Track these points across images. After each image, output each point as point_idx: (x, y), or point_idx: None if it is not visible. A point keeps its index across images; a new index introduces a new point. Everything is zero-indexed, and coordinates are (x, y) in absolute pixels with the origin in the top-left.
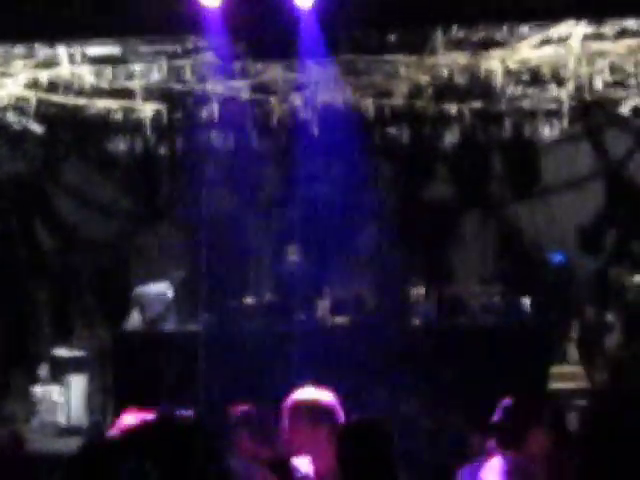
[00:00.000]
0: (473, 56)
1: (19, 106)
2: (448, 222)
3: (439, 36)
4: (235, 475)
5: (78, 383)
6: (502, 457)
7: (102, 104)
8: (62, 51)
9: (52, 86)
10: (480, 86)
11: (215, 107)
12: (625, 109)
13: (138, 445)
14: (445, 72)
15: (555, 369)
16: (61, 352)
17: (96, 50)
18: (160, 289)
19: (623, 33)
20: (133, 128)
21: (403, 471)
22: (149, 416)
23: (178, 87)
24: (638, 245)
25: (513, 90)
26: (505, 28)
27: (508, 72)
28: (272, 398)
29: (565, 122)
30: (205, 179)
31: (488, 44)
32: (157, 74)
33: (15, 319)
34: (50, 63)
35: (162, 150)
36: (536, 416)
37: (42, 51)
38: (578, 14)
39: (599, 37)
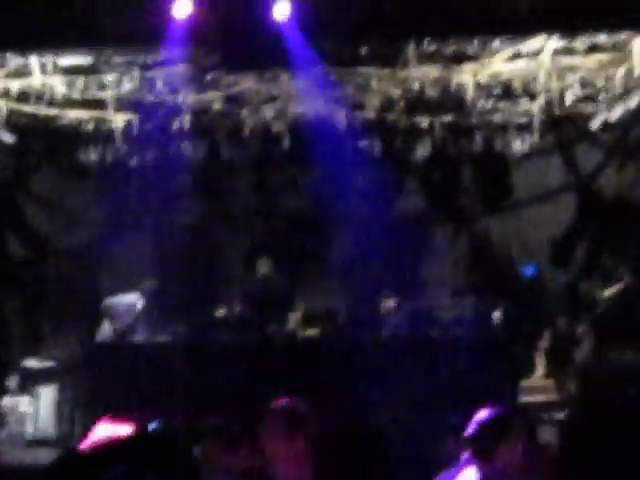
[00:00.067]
0: (445, 69)
1: None
2: (420, 234)
3: (411, 49)
4: None
5: (47, 394)
6: (476, 469)
7: (74, 114)
8: (34, 61)
9: (23, 96)
10: (451, 99)
11: (187, 118)
12: (595, 124)
13: (115, 456)
14: (417, 85)
15: (525, 382)
16: (31, 363)
17: (68, 60)
18: (130, 300)
19: (594, 48)
20: (104, 138)
21: None
22: (124, 427)
23: (150, 98)
24: (608, 259)
25: (484, 104)
26: (476, 42)
27: (479, 86)
28: (244, 408)
29: (536, 136)
30: (176, 190)
31: (460, 58)
32: (129, 85)
33: None
34: (22, 73)
35: (133, 161)
36: (508, 428)
37: (14, 61)
38: (549, 28)
39: (570, 52)
